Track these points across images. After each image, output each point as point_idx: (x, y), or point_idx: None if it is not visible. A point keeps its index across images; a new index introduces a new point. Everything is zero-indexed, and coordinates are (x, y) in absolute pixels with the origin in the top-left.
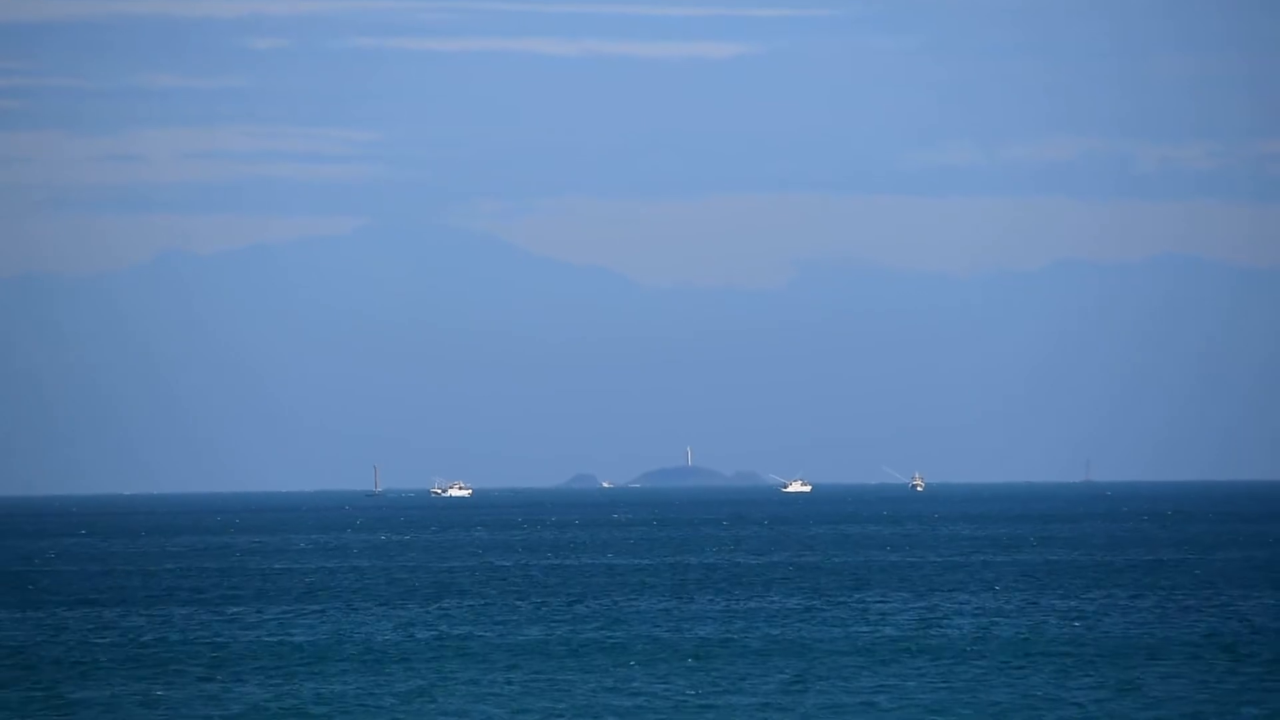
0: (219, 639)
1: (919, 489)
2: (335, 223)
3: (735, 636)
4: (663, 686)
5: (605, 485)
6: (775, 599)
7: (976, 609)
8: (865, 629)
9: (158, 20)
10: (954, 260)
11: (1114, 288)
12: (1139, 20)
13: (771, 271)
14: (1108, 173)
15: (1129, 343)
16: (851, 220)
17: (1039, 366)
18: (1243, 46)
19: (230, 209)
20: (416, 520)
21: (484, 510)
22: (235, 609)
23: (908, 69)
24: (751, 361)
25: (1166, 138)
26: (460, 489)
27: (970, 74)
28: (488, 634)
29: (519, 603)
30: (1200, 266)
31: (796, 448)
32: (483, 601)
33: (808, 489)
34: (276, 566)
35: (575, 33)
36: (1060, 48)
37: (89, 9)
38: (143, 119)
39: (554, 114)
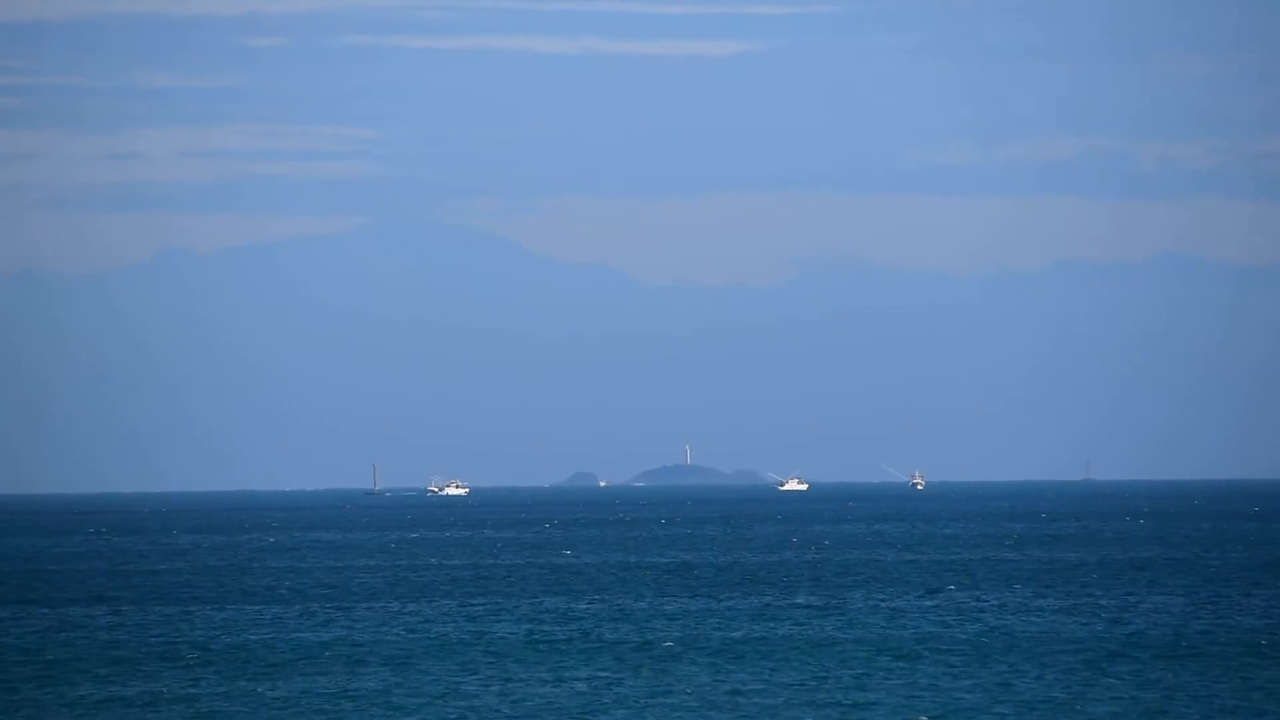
0: (244, 637)
1: (919, 487)
2: (334, 221)
3: (762, 634)
4: (698, 683)
5: (602, 484)
6: (795, 597)
7: (998, 606)
8: (891, 626)
9: (155, 19)
10: (954, 259)
11: (1114, 287)
12: (1139, 19)
13: (771, 270)
14: (1107, 172)
15: (1129, 342)
16: (851, 219)
17: (1039, 366)
18: (1243, 44)
19: (229, 207)
20: (422, 519)
21: (490, 509)
22: (257, 607)
23: (907, 68)
24: (751, 359)
25: (1166, 136)
26: (457, 487)
27: (970, 73)
28: (515, 631)
29: (545, 600)
30: (1200, 265)
31: (796, 446)
32: (508, 600)
33: (804, 487)
34: (294, 565)
35: (574, 30)
36: (1060, 47)
37: (87, 8)
38: (141, 118)
39: (553, 112)
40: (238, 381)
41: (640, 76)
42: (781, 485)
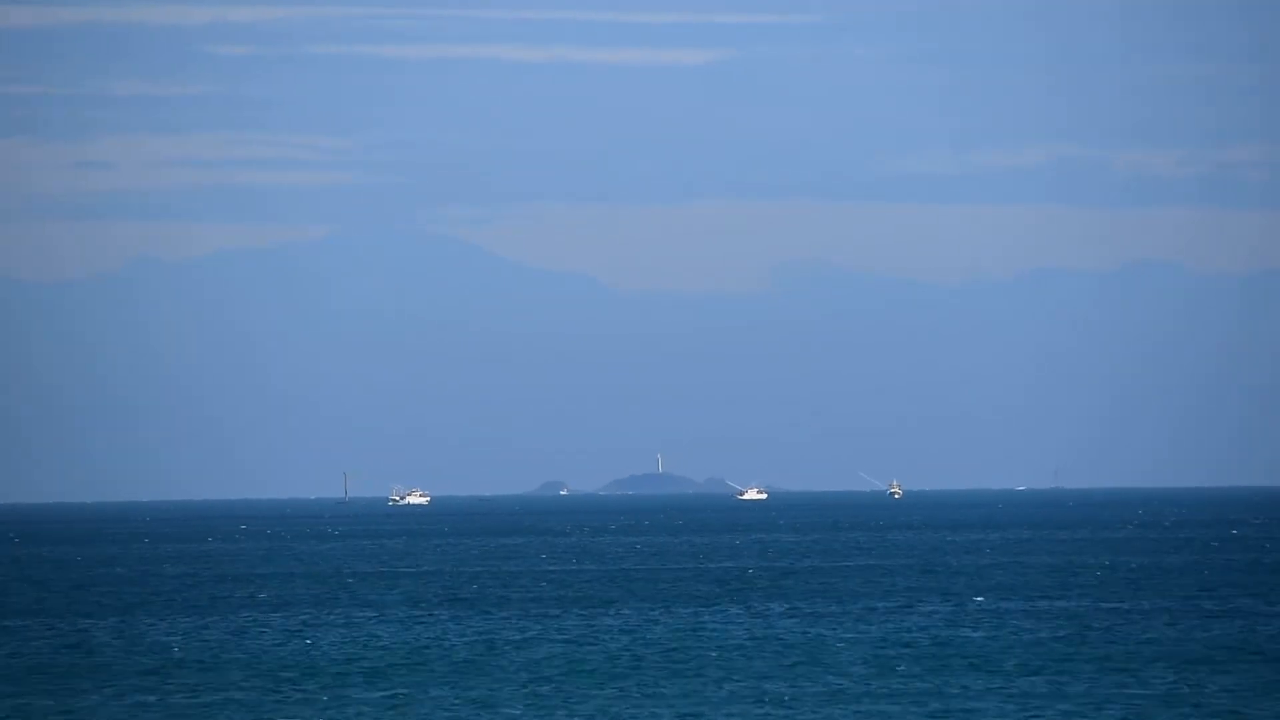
0: (304, 643)
1: (896, 496)
2: (304, 230)
3: (797, 642)
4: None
5: (563, 493)
6: (820, 604)
7: (1024, 613)
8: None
9: (122, 27)
10: (930, 267)
11: (1089, 295)
12: (1114, 29)
13: (747, 277)
14: (1082, 180)
15: (1103, 349)
16: (827, 227)
17: (1013, 373)
18: (1219, 54)
19: (197, 216)
20: (427, 529)
21: (493, 519)
22: (312, 612)
23: (884, 77)
24: (726, 367)
25: (1141, 144)
26: (419, 497)
27: (946, 82)
28: (575, 641)
29: (602, 611)
30: (1175, 273)
31: (770, 454)
32: (558, 611)
33: (763, 497)
34: (346, 571)
35: (546, 39)
36: (1034, 55)
37: (52, 16)
38: (108, 126)
39: (525, 120)
40: (205, 390)
41: (613, 85)
42: (741, 495)
